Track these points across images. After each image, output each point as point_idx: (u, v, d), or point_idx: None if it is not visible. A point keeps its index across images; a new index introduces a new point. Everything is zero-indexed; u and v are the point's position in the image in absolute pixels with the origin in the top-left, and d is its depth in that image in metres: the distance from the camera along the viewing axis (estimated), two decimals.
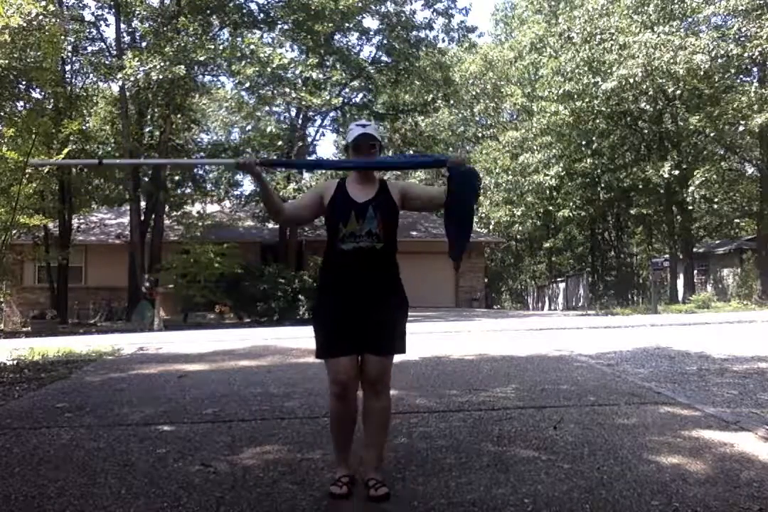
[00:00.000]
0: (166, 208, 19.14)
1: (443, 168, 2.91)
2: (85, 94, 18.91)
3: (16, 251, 16.57)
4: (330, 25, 18.26)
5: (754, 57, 18.06)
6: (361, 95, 21.50)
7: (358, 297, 2.78)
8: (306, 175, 19.74)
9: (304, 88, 17.05)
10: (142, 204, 18.98)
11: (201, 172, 22.15)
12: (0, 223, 11.16)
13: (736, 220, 27.80)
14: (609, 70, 20.12)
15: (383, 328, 2.78)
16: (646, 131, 24.37)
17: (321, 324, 2.86)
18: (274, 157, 3.23)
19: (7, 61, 10.68)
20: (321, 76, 17.30)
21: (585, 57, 21.01)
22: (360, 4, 18.16)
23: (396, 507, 2.58)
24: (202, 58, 15.65)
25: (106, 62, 17.55)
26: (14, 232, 12.51)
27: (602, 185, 27.04)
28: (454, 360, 6.43)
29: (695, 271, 24.04)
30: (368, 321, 2.76)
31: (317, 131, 22.30)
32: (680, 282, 23.43)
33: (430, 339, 8.10)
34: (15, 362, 6.88)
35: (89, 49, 18.95)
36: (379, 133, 3.01)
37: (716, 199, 23.08)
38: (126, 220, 19.90)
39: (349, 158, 2.98)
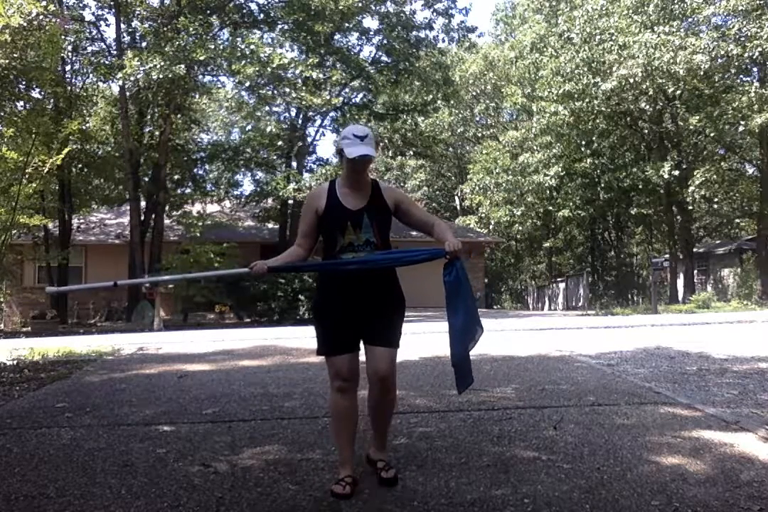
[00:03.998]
0: (166, 208, 19.14)
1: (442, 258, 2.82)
2: (85, 94, 18.92)
3: (16, 251, 16.58)
4: (330, 25, 18.26)
5: (754, 57, 18.05)
6: (361, 95, 21.50)
7: (357, 298, 2.82)
8: (306, 176, 19.73)
9: (304, 88, 17.05)
10: (142, 204, 18.98)
11: (201, 172, 22.17)
12: (0, 223, 11.16)
13: (736, 220, 27.82)
14: (609, 70, 20.11)
15: (386, 323, 2.85)
16: (646, 131, 24.38)
17: (322, 323, 2.91)
18: (280, 264, 3.30)
19: (7, 61, 10.68)
20: (321, 76, 17.30)
21: (585, 57, 20.99)
22: (360, 4, 18.16)
23: (396, 507, 2.58)
24: (202, 58, 15.65)
25: (106, 62, 17.55)
26: (14, 232, 12.51)
27: (602, 185, 27.01)
28: None
29: (695, 271, 24.04)
30: (369, 319, 2.81)
31: (317, 131, 22.29)
32: (680, 282, 23.42)
33: (430, 339, 8.09)
34: (15, 362, 6.88)
35: (89, 49, 18.99)
36: (375, 139, 2.97)
37: (716, 199, 23.10)
38: (126, 220, 19.89)
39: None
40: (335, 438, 2.98)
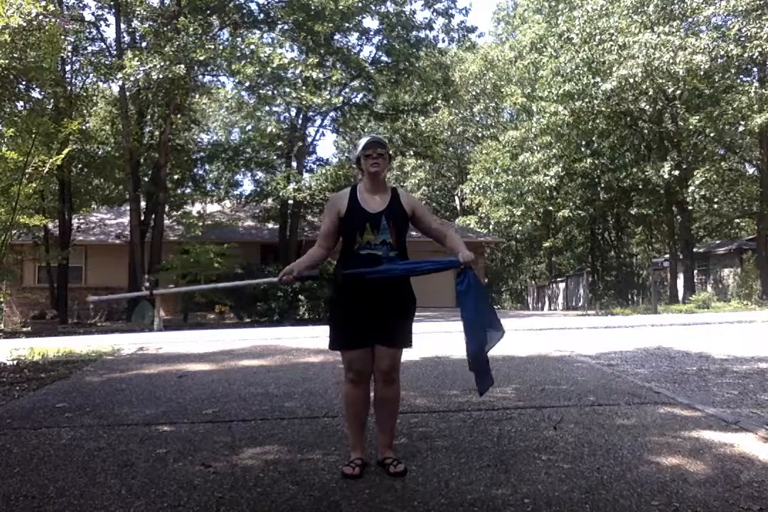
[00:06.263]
0: (166, 208, 19.13)
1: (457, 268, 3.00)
2: (85, 94, 18.89)
3: (16, 251, 16.57)
4: (330, 25, 18.24)
5: (754, 57, 18.05)
6: (361, 95, 21.50)
7: (371, 297, 2.96)
8: (306, 176, 19.72)
9: (304, 88, 17.05)
10: (142, 204, 18.98)
11: (201, 172, 22.17)
12: (0, 223, 11.16)
13: (736, 220, 27.81)
14: (609, 71, 20.12)
15: (394, 324, 3.00)
16: (646, 131, 24.38)
17: (338, 320, 3.08)
18: (306, 273, 3.31)
19: (7, 61, 10.66)
20: (321, 76, 17.29)
21: (585, 57, 21.00)
22: (360, 4, 18.15)
23: (396, 507, 2.58)
24: (202, 58, 15.65)
25: (106, 62, 17.54)
26: (14, 232, 12.50)
27: (602, 185, 27.03)
28: (454, 360, 6.42)
29: (695, 271, 24.04)
30: (381, 318, 2.96)
31: (317, 131, 22.30)
32: (680, 282, 23.42)
33: (430, 339, 8.10)
34: (15, 362, 6.89)
35: (89, 49, 18.95)
36: (387, 144, 3.16)
37: (716, 199, 23.08)
38: (126, 220, 19.89)
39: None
40: (348, 424, 3.15)
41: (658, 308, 17.24)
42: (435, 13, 20.76)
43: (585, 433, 3.52)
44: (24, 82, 12.17)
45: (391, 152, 3.24)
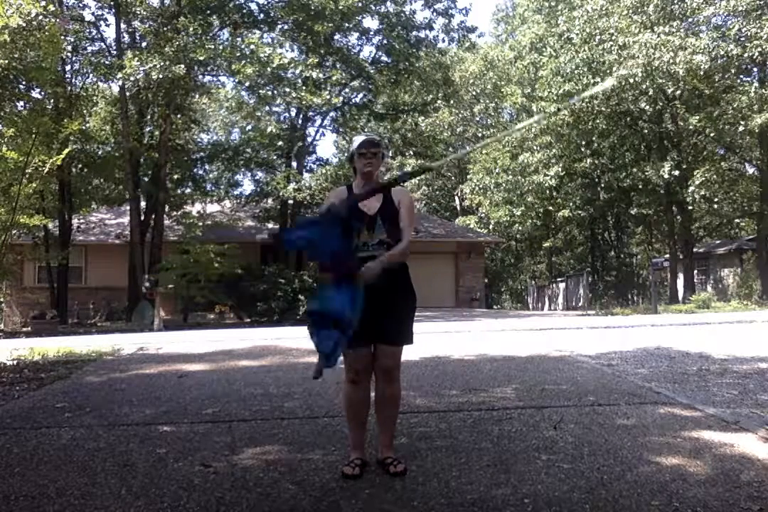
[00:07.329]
0: (166, 208, 19.13)
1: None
2: (85, 94, 18.88)
3: (16, 251, 16.56)
4: (330, 25, 18.25)
5: (754, 57, 18.04)
6: (361, 95, 21.51)
7: (372, 295, 2.87)
8: (306, 176, 19.74)
9: (304, 88, 17.05)
10: (142, 204, 18.98)
11: (201, 172, 22.18)
12: (0, 223, 11.15)
13: (736, 220, 27.80)
14: (609, 71, 20.11)
15: (395, 322, 3.00)
16: (646, 131, 24.38)
17: None
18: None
19: (7, 61, 10.65)
20: (321, 76, 17.30)
21: (585, 57, 21.00)
22: (360, 4, 18.16)
23: (396, 507, 2.58)
24: (202, 58, 15.65)
25: (106, 62, 17.53)
26: (14, 232, 12.49)
27: (602, 185, 27.04)
28: (455, 361, 6.43)
29: (695, 271, 24.03)
30: (381, 316, 2.92)
31: (317, 131, 22.33)
32: (680, 282, 23.42)
33: (430, 339, 8.09)
34: (15, 362, 6.89)
35: (89, 49, 18.93)
36: (382, 141, 3.13)
37: (716, 199, 23.08)
38: (126, 220, 19.89)
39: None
40: (348, 424, 3.14)
41: (658, 308, 17.23)
42: (435, 13, 20.79)
43: (585, 433, 3.52)
44: (24, 82, 12.15)
45: (385, 152, 3.25)
